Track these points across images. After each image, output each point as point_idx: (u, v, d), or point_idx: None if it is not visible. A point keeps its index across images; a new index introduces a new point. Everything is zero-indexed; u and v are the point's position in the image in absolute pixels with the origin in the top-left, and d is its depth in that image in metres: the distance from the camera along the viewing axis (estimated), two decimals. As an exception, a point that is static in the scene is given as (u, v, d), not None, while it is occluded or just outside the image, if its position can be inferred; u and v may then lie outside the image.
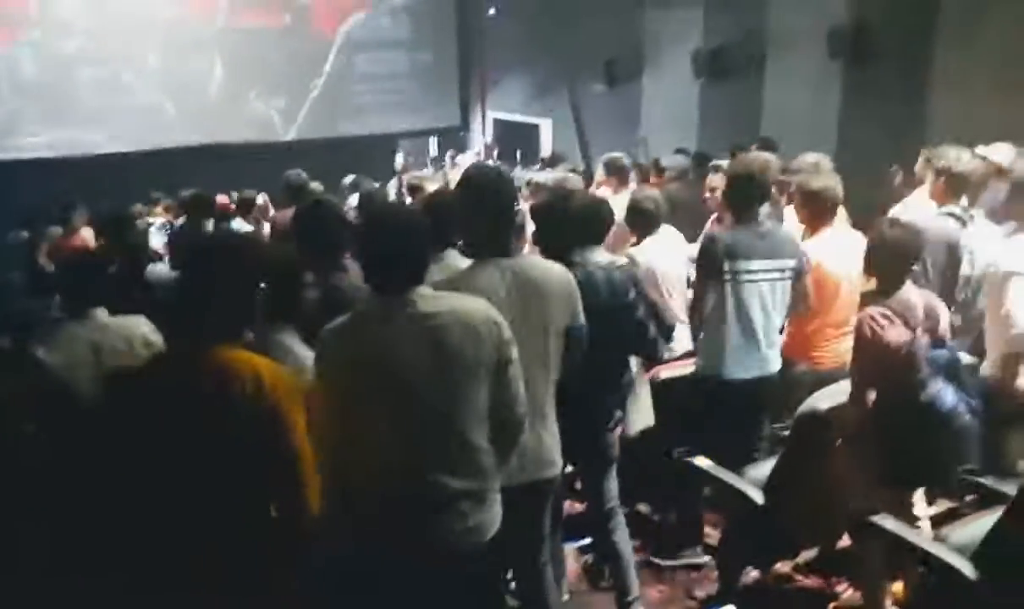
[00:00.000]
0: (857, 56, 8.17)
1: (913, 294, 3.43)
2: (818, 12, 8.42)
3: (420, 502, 2.52)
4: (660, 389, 4.34)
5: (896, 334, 3.24)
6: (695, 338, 4.35)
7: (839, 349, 4.35)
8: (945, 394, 3.17)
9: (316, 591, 2.54)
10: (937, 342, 3.33)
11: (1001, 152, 5.40)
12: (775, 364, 4.18)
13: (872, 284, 4.33)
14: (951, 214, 4.74)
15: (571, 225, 3.68)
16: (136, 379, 2.52)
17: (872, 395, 3.37)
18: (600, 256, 3.69)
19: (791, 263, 4.12)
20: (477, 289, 2.77)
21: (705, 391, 4.15)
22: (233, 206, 7.95)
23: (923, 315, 3.38)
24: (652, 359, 4.09)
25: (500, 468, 2.69)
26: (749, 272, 4.02)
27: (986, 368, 3.98)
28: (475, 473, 2.58)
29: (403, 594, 2.57)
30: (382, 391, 2.47)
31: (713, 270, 4.07)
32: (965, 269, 4.57)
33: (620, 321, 3.54)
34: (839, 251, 4.38)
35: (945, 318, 3.52)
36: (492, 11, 13.12)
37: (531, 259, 3.14)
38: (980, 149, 5.14)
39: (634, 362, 3.91)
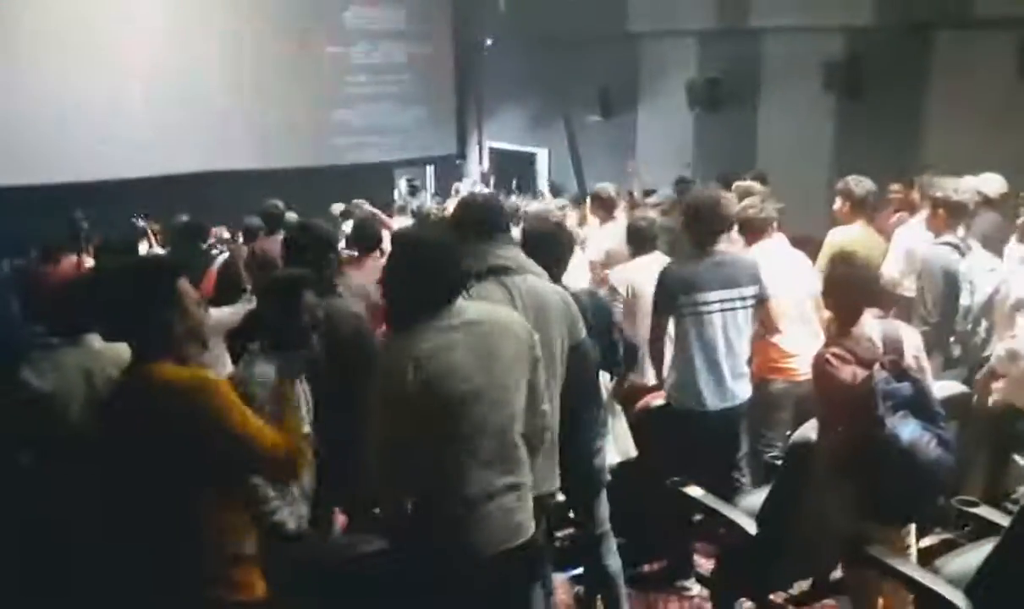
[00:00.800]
0: (851, 88, 8.24)
1: (871, 327, 3.41)
2: (812, 44, 8.49)
3: (479, 500, 2.61)
4: (643, 419, 4.35)
5: (849, 373, 3.22)
6: (656, 371, 4.39)
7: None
8: (903, 429, 3.10)
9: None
10: (901, 373, 3.27)
11: (991, 183, 5.46)
12: (743, 393, 4.22)
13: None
14: (949, 244, 4.76)
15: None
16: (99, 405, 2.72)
17: (836, 431, 3.36)
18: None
19: (751, 291, 4.16)
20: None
21: (676, 423, 4.20)
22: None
23: (883, 347, 3.36)
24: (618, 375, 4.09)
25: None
26: (706, 304, 4.06)
27: (996, 395, 4.02)
28: (519, 469, 2.70)
29: (454, 593, 2.64)
30: (446, 397, 2.56)
31: (668, 304, 4.13)
32: (965, 299, 4.60)
33: (599, 344, 3.56)
34: (791, 267, 4.56)
35: (912, 346, 3.49)
36: (489, 41, 13.20)
37: (531, 279, 3.16)
38: (970, 180, 5.18)
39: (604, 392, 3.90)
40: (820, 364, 3.33)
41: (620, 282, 4.75)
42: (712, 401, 4.12)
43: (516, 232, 6.15)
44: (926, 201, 5.19)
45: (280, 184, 10.92)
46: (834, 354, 3.30)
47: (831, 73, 8.33)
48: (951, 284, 4.67)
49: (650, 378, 4.55)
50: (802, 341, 4.41)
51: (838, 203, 5.39)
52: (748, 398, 4.26)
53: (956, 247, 4.74)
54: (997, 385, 4.15)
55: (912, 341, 3.51)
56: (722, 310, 4.09)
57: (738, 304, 4.13)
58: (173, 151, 11.38)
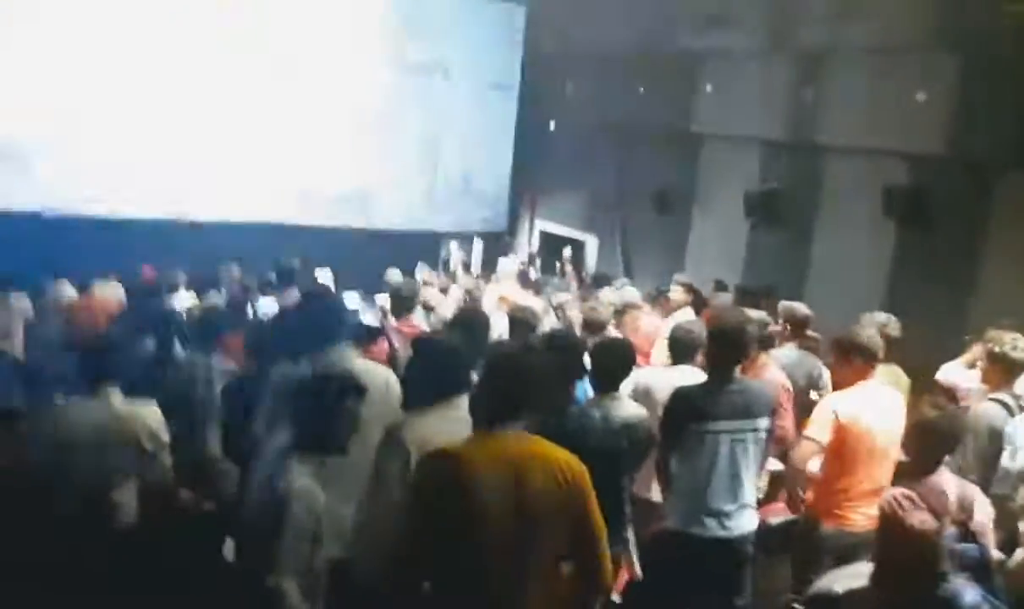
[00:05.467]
0: (911, 216, 8.06)
1: (948, 481, 3.27)
2: (875, 167, 8.37)
3: None
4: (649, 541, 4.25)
5: (919, 520, 3.05)
6: (664, 495, 4.27)
7: (873, 512, 4.18)
8: (965, 592, 2.94)
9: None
10: (969, 535, 3.12)
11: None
12: (747, 525, 4.08)
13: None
14: (999, 401, 4.59)
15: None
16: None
17: (892, 581, 3.18)
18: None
19: (764, 422, 4.03)
20: None
21: (677, 548, 4.08)
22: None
23: (956, 505, 3.21)
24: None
25: None
26: (715, 432, 3.92)
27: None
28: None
29: None
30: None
31: (676, 430, 4.00)
32: (1005, 460, 4.39)
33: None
34: (877, 409, 4.24)
35: (982, 512, 3.34)
36: (552, 124, 13.27)
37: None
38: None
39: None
40: (889, 504, 3.16)
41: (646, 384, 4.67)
42: (712, 528, 3.98)
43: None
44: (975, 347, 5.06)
45: (324, 242, 11.08)
46: (906, 496, 3.13)
47: (892, 199, 8.16)
48: (995, 443, 4.49)
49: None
50: (871, 489, 4.20)
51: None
52: (752, 532, 4.11)
53: (1006, 405, 4.58)
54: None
55: (984, 507, 3.35)
56: (732, 440, 3.97)
57: (749, 435, 4.01)
58: (228, 199, 11.54)
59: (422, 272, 10.03)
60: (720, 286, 7.97)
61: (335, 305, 4.06)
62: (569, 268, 11.04)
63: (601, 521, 2.73)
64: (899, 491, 3.18)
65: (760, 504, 4.38)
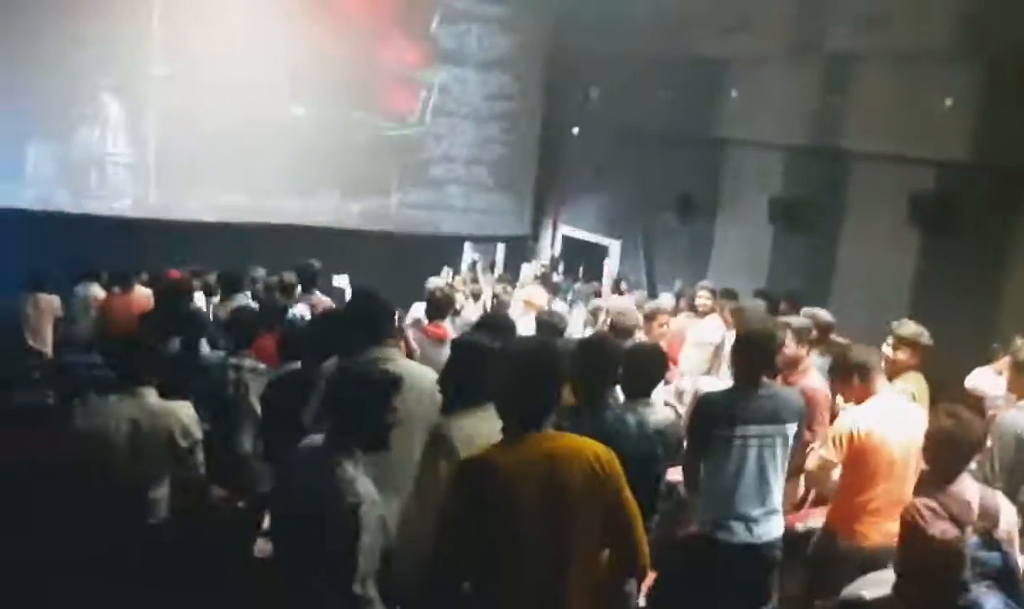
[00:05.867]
0: (938, 224, 7.99)
1: (969, 489, 3.27)
2: (902, 175, 8.31)
3: None
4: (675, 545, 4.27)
5: (941, 530, 3.06)
6: (690, 499, 4.28)
7: (891, 528, 4.18)
8: (987, 600, 2.95)
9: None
10: (993, 543, 3.12)
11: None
12: (774, 531, 4.07)
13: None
14: None
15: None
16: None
17: (915, 590, 3.19)
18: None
19: (793, 428, 4.03)
20: None
21: (704, 552, 4.06)
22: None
23: (978, 513, 3.21)
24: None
25: None
26: (744, 437, 3.93)
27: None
28: None
29: None
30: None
31: (705, 435, 4.01)
32: None
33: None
34: (893, 421, 4.23)
35: (1008, 519, 3.33)
36: (576, 130, 13.30)
37: None
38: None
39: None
40: (911, 514, 3.16)
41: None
42: (740, 533, 3.99)
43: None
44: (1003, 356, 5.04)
45: (346, 244, 11.17)
46: (928, 507, 3.14)
47: (918, 207, 8.11)
48: (1021, 451, 4.45)
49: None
50: (889, 502, 4.18)
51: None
52: (779, 537, 4.11)
53: None
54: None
55: (1009, 514, 3.34)
56: (760, 445, 3.97)
57: (778, 440, 4.01)
58: (256, 202, 11.68)
59: (447, 276, 10.11)
60: (728, 294, 7.92)
61: (386, 304, 4.10)
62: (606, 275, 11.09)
63: (635, 504, 2.78)
64: (921, 501, 3.19)
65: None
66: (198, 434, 3.76)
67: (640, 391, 4.14)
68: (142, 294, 7.76)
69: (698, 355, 7.18)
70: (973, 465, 4.20)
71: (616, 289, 10.58)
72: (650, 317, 6.60)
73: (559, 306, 8.71)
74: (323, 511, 2.86)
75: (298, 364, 4.60)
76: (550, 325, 5.40)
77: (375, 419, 3.00)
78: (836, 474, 4.36)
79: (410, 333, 5.99)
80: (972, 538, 3.06)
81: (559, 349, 3.20)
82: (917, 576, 3.12)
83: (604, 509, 2.73)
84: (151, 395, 3.75)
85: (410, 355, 5.41)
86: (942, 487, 3.26)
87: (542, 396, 2.79)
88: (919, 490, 3.53)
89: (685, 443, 4.25)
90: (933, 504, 3.15)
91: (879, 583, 3.45)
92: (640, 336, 6.01)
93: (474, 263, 12.93)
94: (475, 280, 11.08)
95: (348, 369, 3.20)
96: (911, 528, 3.14)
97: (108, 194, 10.99)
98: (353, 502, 2.84)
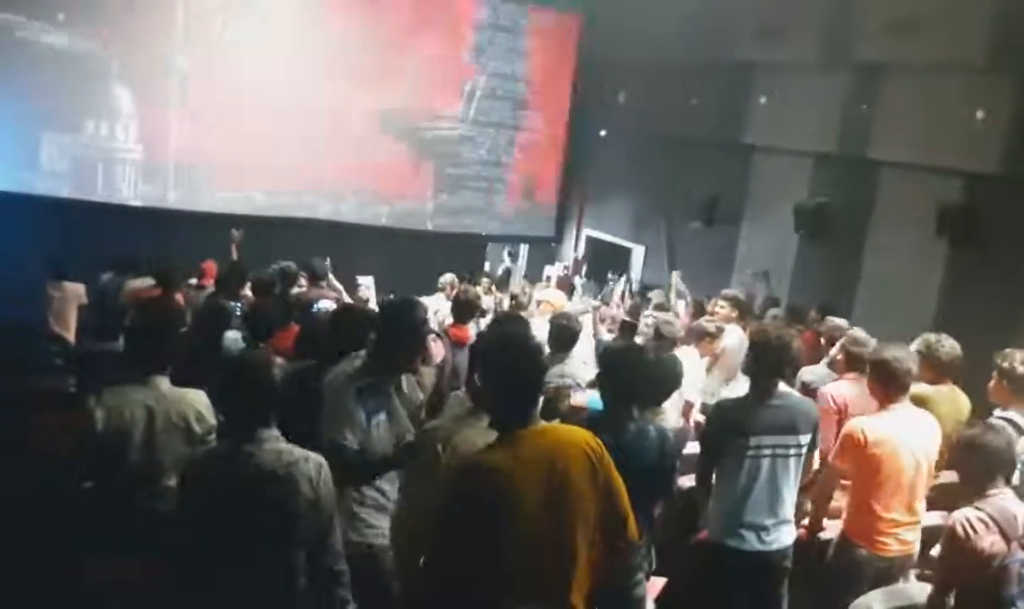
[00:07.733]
0: (965, 237, 7.94)
1: (1012, 504, 3.22)
2: (930, 186, 8.26)
3: None
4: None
5: (990, 543, 3.04)
6: (701, 509, 4.25)
7: (908, 537, 4.15)
8: None
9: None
10: None
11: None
12: (785, 539, 4.05)
13: (945, 477, 4.12)
14: (1009, 420, 4.51)
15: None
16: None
17: (951, 601, 3.16)
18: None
19: (806, 438, 3.99)
20: None
21: (715, 560, 4.05)
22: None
23: (1022, 528, 3.18)
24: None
25: None
26: (757, 448, 3.91)
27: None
28: None
29: None
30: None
31: (718, 445, 3.99)
32: (1016, 480, 4.31)
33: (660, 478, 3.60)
34: (904, 431, 4.19)
35: None
36: (603, 132, 13.28)
37: None
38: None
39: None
40: (962, 526, 3.13)
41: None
42: (751, 542, 3.97)
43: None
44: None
45: (375, 241, 11.20)
46: (978, 518, 3.11)
47: (946, 218, 8.06)
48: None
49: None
50: (900, 512, 4.17)
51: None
52: (790, 546, 4.08)
53: (1016, 424, 4.47)
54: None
55: None
56: (773, 455, 3.96)
57: (792, 451, 3.99)
58: (286, 198, 11.76)
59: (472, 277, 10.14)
60: (772, 302, 7.87)
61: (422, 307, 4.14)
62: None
63: (619, 478, 2.82)
64: (972, 513, 3.14)
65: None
66: (213, 420, 3.78)
67: (653, 400, 4.12)
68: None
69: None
70: (1016, 480, 4.18)
71: (630, 295, 10.55)
72: (702, 336, 6.47)
73: (580, 308, 8.68)
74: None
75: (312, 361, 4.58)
76: (563, 327, 5.37)
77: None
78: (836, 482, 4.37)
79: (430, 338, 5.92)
80: (1019, 553, 3.03)
81: (538, 343, 3.17)
82: (960, 588, 3.09)
83: (601, 491, 2.76)
84: (164, 383, 3.77)
85: (425, 361, 5.31)
86: (975, 498, 3.22)
87: (531, 391, 2.81)
88: (952, 501, 3.48)
89: (699, 451, 4.24)
90: (983, 516, 3.12)
91: (892, 596, 3.43)
92: (689, 350, 6.01)
93: (508, 271, 12.95)
94: (504, 283, 11.17)
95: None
96: (959, 539, 3.11)
97: (127, 187, 11.01)
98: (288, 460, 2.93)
